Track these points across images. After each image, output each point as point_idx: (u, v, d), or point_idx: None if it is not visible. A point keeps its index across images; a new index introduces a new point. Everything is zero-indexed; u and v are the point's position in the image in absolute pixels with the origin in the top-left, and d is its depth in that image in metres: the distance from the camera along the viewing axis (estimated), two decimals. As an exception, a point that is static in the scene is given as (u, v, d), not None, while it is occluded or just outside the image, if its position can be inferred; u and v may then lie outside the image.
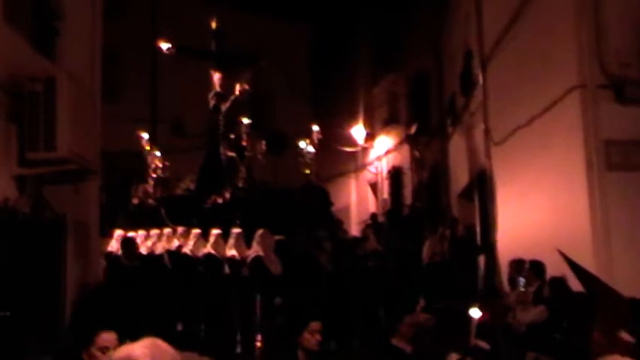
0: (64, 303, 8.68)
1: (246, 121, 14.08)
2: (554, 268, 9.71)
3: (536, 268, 9.72)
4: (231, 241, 11.43)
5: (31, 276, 7.79)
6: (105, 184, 11.61)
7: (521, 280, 9.85)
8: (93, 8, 10.07)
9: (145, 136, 14.41)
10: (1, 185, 7.16)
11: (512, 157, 12.47)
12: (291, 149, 15.97)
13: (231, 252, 11.29)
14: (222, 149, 14.15)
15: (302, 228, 12.16)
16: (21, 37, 7.71)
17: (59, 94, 7.26)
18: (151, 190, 14.16)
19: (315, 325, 5.76)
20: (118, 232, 12.41)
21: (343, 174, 24.05)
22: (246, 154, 13.90)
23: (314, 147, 14.31)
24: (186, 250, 11.56)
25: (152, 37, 23.25)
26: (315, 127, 14.46)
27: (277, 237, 11.45)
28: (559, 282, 8.68)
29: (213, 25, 14.78)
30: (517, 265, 10.45)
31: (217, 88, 14.61)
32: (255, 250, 11.11)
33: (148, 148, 14.34)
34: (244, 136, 14.05)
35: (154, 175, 14.24)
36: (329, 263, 11.87)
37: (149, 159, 14.29)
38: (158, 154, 14.41)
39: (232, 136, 14.24)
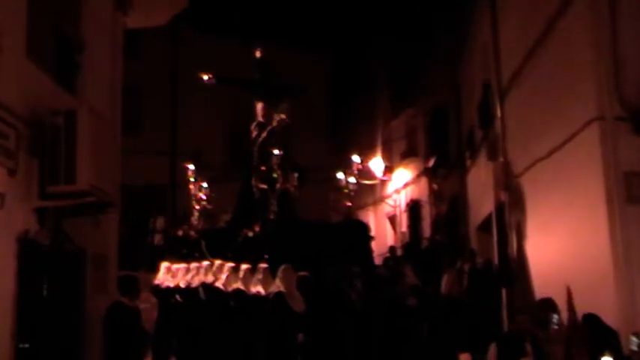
0: (84, 336, 8.69)
1: (276, 152, 13.80)
2: (577, 301, 9.66)
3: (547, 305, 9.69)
4: (258, 276, 11.31)
5: (50, 308, 7.82)
6: (125, 217, 11.62)
7: (555, 317, 9.75)
8: (113, 43, 10.22)
9: (191, 167, 14.24)
10: (21, 218, 7.21)
11: (531, 189, 12.42)
12: (310, 182, 15.84)
13: (257, 288, 11.16)
14: (253, 181, 13.89)
15: (334, 263, 11.81)
16: (42, 70, 7.82)
17: (80, 127, 7.34)
18: (195, 222, 13.99)
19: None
20: (165, 264, 12.47)
21: (361, 207, 24.03)
22: (277, 186, 13.60)
23: (355, 178, 14.00)
24: (219, 284, 11.49)
25: (172, 72, 23.64)
26: (356, 158, 14.11)
27: (301, 273, 11.08)
28: (594, 318, 8.54)
29: (258, 54, 14.65)
30: (546, 303, 10.29)
31: (260, 118, 14.43)
32: (277, 285, 10.97)
33: (192, 179, 14.15)
34: (275, 168, 13.77)
35: (197, 207, 14.05)
36: (359, 301, 11.48)
37: (193, 190, 14.10)
38: (205, 185, 14.22)
39: (263, 168, 13.98)
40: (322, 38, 23.23)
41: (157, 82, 23.04)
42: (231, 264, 11.63)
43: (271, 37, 19.62)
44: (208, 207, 14.17)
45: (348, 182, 13.79)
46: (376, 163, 22.74)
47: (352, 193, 13.92)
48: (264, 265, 11.35)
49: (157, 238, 20.75)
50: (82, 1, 9.11)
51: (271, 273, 11.14)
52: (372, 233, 14.89)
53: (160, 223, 21.29)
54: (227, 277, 11.45)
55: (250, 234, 12.81)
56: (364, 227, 14.03)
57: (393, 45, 21.47)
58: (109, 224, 9.68)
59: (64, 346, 8.19)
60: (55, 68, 8.33)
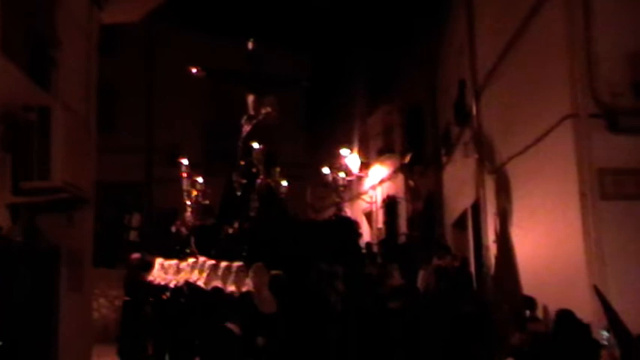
0: (57, 334, 8.62)
1: (257, 146, 13.48)
2: (548, 298, 9.74)
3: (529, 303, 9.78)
4: (232, 275, 11.17)
5: (24, 306, 7.76)
6: (100, 214, 11.49)
7: (528, 314, 9.89)
8: (88, 39, 10.13)
9: (185, 162, 13.92)
10: (-6, 214, 7.14)
11: (505, 186, 12.50)
12: (288, 178, 15.73)
13: (232, 287, 11.02)
14: (234, 176, 13.55)
15: (316, 262, 11.49)
16: (16, 66, 7.74)
17: (53, 123, 7.27)
18: (188, 218, 13.70)
19: None
20: (159, 261, 12.36)
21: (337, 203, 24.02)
22: (258, 181, 13.21)
23: (345, 173, 13.66)
24: (200, 282, 11.39)
25: (148, 69, 23.54)
26: (345, 151, 13.70)
27: (274, 272, 10.83)
28: (567, 314, 8.60)
29: (250, 46, 14.36)
30: (529, 301, 10.38)
31: (251, 112, 14.12)
32: (247, 285, 10.81)
33: (185, 175, 13.83)
34: (255, 162, 13.40)
35: (189, 202, 13.75)
36: (339, 302, 11.13)
37: (185, 186, 13.77)
38: (200, 180, 13.93)
39: (242, 163, 13.62)
40: (301, 35, 23.20)
41: (133, 79, 22.97)
42: (212, 262, 11.54)
43: (249, 33, 19.63)
44: (205, 202, 13.92)
45: (337, 177, 13.48)
46: (352, 160, 22.75)
47: (342, 189, 13.68)
48: (237, 264, 11.23)
49: (133, 235, 20.66)
50: (57, -4, 9.03)
51: (247, 271, 11.04)
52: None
53: (135, 219, 21.21)
54: (208, 275, 11.35)
55: (230, 231, 12.60)
56: (352, 224, 13.72)
57: (371, 44, 21.51)
58: (84, 221, 9.60)
59: (37, 345, 8.13)
60: (28, 64, 8.24)
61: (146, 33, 22.20)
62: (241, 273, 11.07)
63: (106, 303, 17.73)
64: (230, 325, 9.43)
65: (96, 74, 10.40)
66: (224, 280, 11.17)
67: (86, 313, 9.79)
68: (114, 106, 21.12)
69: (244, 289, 10.75)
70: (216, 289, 11.08)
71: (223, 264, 11.36)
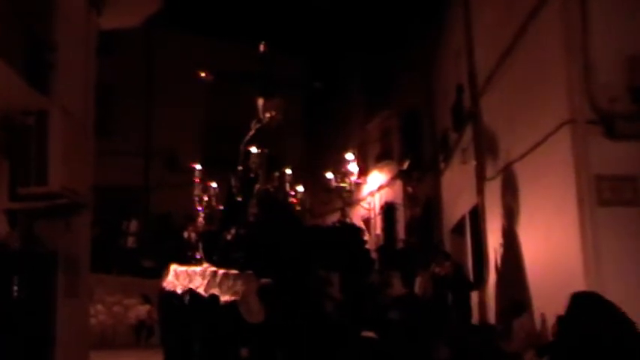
0: (54, 340, 8.60)
1: (255, 150, 13.18)
2: (546, 303, 9.73)
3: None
4: (229, 283, 11.09)
5: (21, 312, 7.73)
6: (98, 219, 11.39)
7: (517, 321, 9.88)
8: (86, 42, 10.11)
9: (198, 167, 13.83)
10: (-9, 219, 7.13)
11: (504, 192, 12.49)
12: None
13: (227, 295, 10.89)
14: (233, 182, 13.41)
15: (313, 269, 11.21)
16: (13, 70, 7.73)
17: (51, 128, 7.26)
18: (200, 223, 13.59)
19: None
20: (173, 267, 12.31)
21: (336, 210, 23.98)
22: (256, 186, 13.08)
23: (353, 178, 13.47)
24: (201, 289, 11.32)
25: (146, 73, 23.55)
26: (349, 155, 13.55)
27: (264, 280, 10.64)
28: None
29: (261, 48, 14.23)
30: (514, 305, 10.37)
31: (261, 115, 13.97)
32: (236, 294, 10.63)
33: (198, 180, 13.71)
34: (253, 167, 13.38)
35: (200, 208, 13.64)
36: (335, 312, 10.80)
37: (197, 191, 13.64)
38: (214, 185, 13.84)
39: (240, 168, 13.48)
40: (296, 40, 23.21)
41: (131, 82, 22.99)
42: (213, 269, 11.46)
43: (246, 36, 19.65)
44: (219, 208, 13.81)
45: (345, 182, 13.30)
46: (351, 166, 22.70)
47: (348, 194, 13.54)
48: (234, 272, 11.14)
49: (130, 241, 20.64)
50: (55, 0, 9.02)
51: (239, 279, 10.96)
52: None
53: (133, 225, 21.18)
54: (208, 282, 11.27)
55: (229, 237, 12.51)
56: (357, 231, 13.50)
57: (368, 49, 21.52)
58: (81, 226, 9.56)
59: (34, 351, 8.10)
60: (26, 68, 8.22)
61: (144, 36, 22.18)
62: (235, 281, 10.99)
63: (103, 309, 17.70)
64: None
65: (94, 78, 10.38)
66: (221, 287, 11.09)
67: (83, 319, 9.74)
68: (112, 109, 21.11)
69: (233, 297, 10.62)
70: (213, 296, 11.03)
71: (221, 271, 11.28)
